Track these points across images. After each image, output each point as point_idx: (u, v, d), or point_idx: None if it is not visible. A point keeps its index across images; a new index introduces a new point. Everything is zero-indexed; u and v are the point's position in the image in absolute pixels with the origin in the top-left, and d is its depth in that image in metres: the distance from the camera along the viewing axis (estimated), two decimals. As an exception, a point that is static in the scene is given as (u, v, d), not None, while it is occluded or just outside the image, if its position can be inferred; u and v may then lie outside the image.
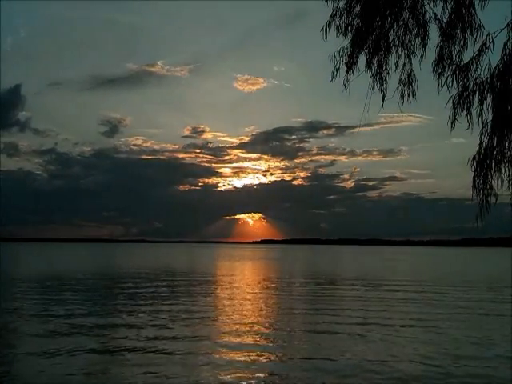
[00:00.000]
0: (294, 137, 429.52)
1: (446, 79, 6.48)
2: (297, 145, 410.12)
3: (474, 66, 6.26)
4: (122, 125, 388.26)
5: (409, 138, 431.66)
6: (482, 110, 6.17)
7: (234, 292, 25.88)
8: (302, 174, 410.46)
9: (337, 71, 7.07)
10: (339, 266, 58.32)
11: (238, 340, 13.56)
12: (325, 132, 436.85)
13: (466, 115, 6.24)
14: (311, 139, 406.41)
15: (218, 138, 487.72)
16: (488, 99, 6.14)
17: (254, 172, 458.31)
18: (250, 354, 11.95)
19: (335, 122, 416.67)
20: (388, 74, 6.99)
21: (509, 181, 6.04)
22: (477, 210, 6.12)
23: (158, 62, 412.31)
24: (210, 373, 10.30)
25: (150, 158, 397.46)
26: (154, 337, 13.79)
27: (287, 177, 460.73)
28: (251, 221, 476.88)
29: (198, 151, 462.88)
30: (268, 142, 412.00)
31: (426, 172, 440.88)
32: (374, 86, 7.03)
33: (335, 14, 7.02)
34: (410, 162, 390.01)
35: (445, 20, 6.56)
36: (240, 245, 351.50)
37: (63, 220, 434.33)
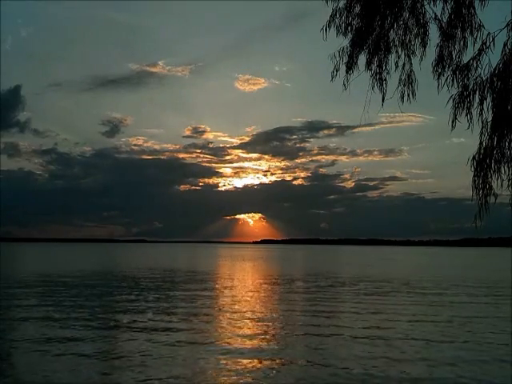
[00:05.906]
0: (294, 137, 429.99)
1: (446, 79, 6.49)
2: (297, 145, 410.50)
3: (474, 65, 6.26)
4: (122, 125, 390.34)
5: (409, 138, 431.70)
6: (482, 110, 6.16)
7: (234, 292, 25.87)
8: (303, 174, 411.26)
9: (337, 71, 7.09)
10: (338, 267, 58.29)
11: (240, 342, 13.58)
12: (325, 132, 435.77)
13: (467, 115, 6.24)
14: (312, 139, 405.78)
15: (219, 138, 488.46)
16: (488, 99, 6.13)
17: (255, 172, 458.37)
18: (251, 356, 11.96)
19: (336, 121, 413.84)
20: (388, 74, 7.01)
21: (508, 181, 6.03)
22: (476, 209, 6.11)
23: (159, 62, 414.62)
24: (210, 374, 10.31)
25: (150, 158, 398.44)
26: (155, 340, 13.79)
27: (288, 177, 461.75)
28: (251, 221, 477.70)
29: (198, 151, 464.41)
30: (269, 142, 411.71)
31: (427, 172, 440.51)
32: (373, 86, 7.05)
33: (335, 14, 7.03)
34: (411, 161, 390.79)
35: (445, 20, 6.57)
36: (240, 245, 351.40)
37: (63, 220, 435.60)
